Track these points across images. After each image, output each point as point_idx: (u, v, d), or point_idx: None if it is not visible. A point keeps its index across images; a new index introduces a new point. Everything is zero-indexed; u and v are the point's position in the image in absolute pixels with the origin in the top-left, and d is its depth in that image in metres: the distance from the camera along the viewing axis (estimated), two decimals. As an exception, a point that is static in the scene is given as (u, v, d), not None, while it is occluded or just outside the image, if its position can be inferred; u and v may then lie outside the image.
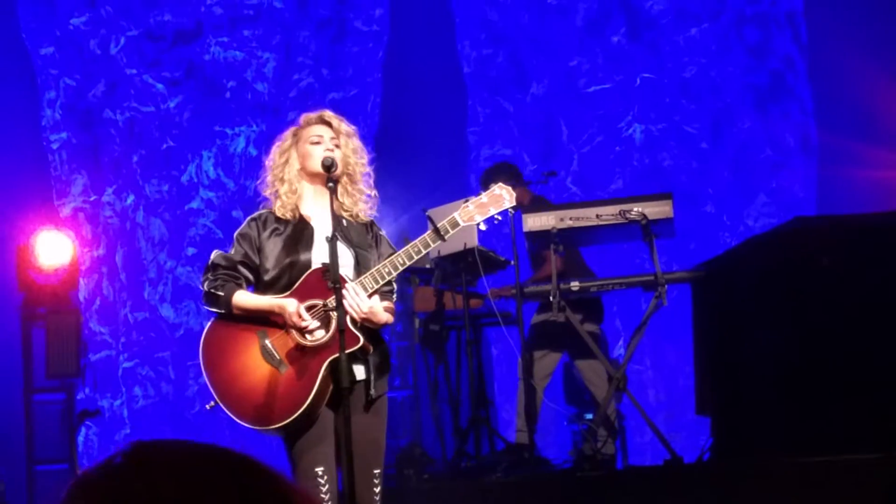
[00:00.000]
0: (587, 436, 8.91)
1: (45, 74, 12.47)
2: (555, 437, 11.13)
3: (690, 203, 12.08)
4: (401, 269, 5.46)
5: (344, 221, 5.61)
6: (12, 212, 11.68)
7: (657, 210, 8.46)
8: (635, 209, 8.41)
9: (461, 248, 8.55)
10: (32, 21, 12.47)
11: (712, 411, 9.02)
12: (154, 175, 12.38)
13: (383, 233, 5.78)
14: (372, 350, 5.46)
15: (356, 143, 5.75)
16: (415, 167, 12.21)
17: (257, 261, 5.59)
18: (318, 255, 5.52)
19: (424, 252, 5.52)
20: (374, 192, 5.77)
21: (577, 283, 8.60)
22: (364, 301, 5.37)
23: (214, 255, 5.64)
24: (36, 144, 12.35)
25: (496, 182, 9.44)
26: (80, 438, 11.23)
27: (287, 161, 5.67)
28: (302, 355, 5.43)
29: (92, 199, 12.31)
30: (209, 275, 5.59)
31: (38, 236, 10.68)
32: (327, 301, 5.41)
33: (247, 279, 5.58)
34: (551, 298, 8.37)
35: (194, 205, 12.43)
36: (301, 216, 5.64)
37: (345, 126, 5.73)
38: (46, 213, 11.97)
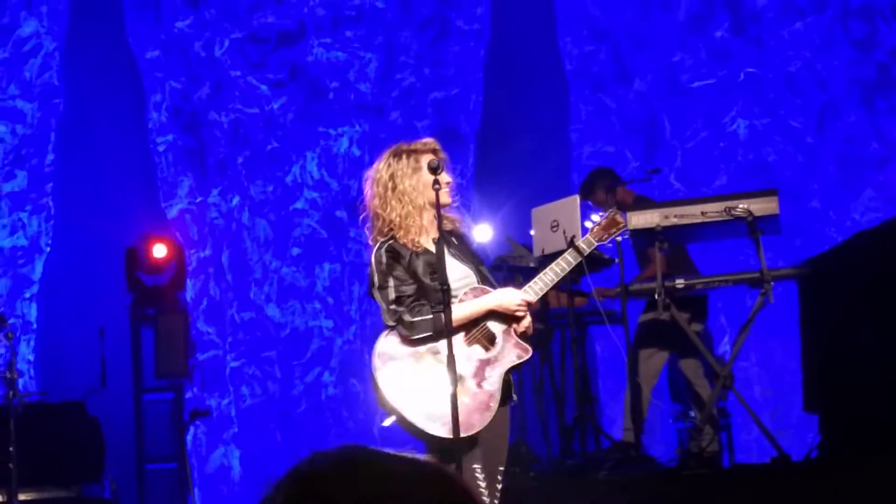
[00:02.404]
0: (693, 433, 8.87)
1: (150, 77, 12.64)
2: (660, 435, 11.09)
3: (796, 198, 11.95)
4: (552, 284, 5.81)
5: (454, 240, 5.76)
6: (120, 214, 11.86)
7: (763, 206, 8.39)
8: (741, 206, 8.34)
9: (565, 246, 8.54)
10: (138, 24, 12.65)
11: (821, 408, 8.94)
12: (259, 176, 12.50)
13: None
14: None
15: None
16: (517, 165, 12.20)
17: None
18: (453, 275, 5.63)
19: (568, 270, 5.85)
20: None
21: (682, 281, 8.55)
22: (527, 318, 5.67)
23: (392, 292, 5.62)
24: (143, 147, 12.53)
25: (599, 189, 9.50)
26: (189, 437, 11.37)
27: (421, 192, 5.64)
28: (480, 366, 5.54)
29: (198, 200, 12.46)
30: (401, 308, 5.58)
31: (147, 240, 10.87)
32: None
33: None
34: (656, 297, 8.34)
35: (299, 205, 12.52)
36: (422, 246, 5.68)
37: (442, 154, 5.81)
38: (153, 215, 12.14)
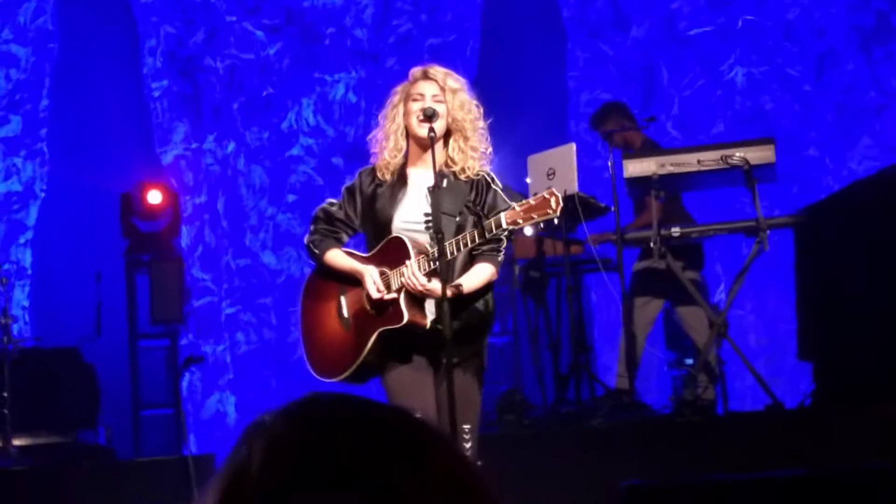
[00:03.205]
0: (687, 381, 8.88)
1: (145, 22, 12.56)
2: (655, 383, 11.10)
3: (793, 147, 11.92)
4: (450, 257, 5.37)
5: (445, 182, 5.50)
6: (115, 160, 11.83)
7: (759, 155, 8.38)
8: (737, 154, 8.32)
9: (561, 194, 8.50)
10: (132, -31, 12.57)
11: (815, 356, 8.96)
12: (254, 122, 12.45)
13: (498, 186, 5.63)
14: (427, 324, 5.44)
15: (463, 97, 5.60)
16: (513, 112, 12.15)
17: (357, 221, 5.64)
18: (402, 215, 5.54)
19: (471, 245, 5.39)
20: (488, 149, 5.66)
21: (677, 230, 8.55)
22: (420, 279, 5.37)
23: (319, 207, 5.73)
24: (137, 92, 12.47)
25: (609, 123, 9.48)
26: (184, 384, 11.39)
27: (395, 118, 5.59)
28: (364, 318, 5.50)
29: (193, 146, 12.42)
30: (311, 227, 5.72)
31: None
32: (396, 270, 5.46)
33: (347, 234, 5.66)
34: (652, 245, 8.34)
35: (294, 152, 12.48)
36: (402, 175, 5.62)
37: (451, 81, 5.59)
38: (148, 161, 12.10)
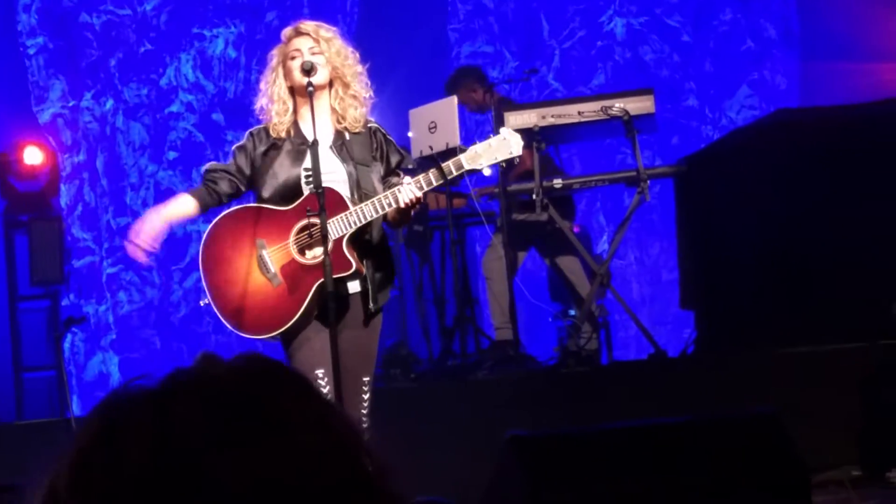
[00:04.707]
0: (571, 332, 8.95)
1: (19, -22, 12.32)
2: (539, 334, 11.17)
3: (672, 97, 12.04)
4: (418, 196, 5.41)
5: (346, 135, 5.58)
6: (-10, 119, 11.61)
7: (639, 105, 8.43)
8: (617, 105, 8.38)
9: (444, 147, 8.51)
10: (4, -76, 12.31)
11: (696, 305, 9.07)
12: (132, 79, 12.27)
13: (391, 137, 5.73)
14: (364, 271, 5.48)
15: (338, 44, 5.63)
16: (394, 65, 12.10)
17: (248, 172, 5.63)
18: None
19: (427, 189, 5.47)
20: (369, 94, 5.69)
21: (559, 181, 8.58)
22: (416, 191, 5.39)
23: (207, 164, 5.73)
24: (12, 50, 12.23)
25: (461, 87, 9.47)
26: (66, 345, 11.25)
27: (275, 81, 5.62)
28: (296, 271, 5.48)
29: (71, 104, 12.22)
30: (205, 177, 5.69)
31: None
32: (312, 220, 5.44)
33: (232, 186, 5.62)
34: (534, 196, 8.37)
35: (174, 108, 12.33)
36: (298, 132, 5.61)
37: (323, 31, 5.62)
38: (25, 120, 11.89)
